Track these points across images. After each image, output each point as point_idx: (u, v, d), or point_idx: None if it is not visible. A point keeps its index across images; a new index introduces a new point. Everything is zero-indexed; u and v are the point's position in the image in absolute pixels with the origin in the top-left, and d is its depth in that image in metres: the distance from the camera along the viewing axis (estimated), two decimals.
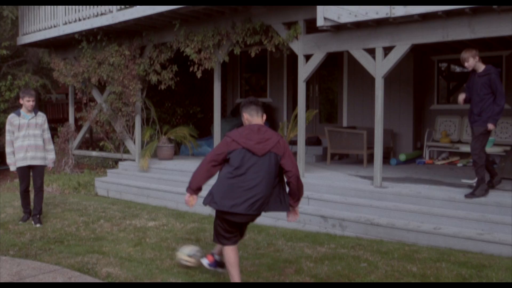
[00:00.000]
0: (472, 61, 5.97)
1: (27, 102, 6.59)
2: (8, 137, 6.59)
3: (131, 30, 9.71)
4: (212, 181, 3.96)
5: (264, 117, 4.03)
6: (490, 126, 5.89)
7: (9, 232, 6.31)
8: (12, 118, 6.61)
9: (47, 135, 6.87)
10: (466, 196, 5.98)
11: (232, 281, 3.98)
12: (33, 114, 6.69)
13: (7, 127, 6.59)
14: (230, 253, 3.98)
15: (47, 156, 6.86)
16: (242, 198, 3.77)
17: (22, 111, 6.65)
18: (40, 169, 6.77)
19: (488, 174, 6.30)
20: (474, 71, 6.06)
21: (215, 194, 3.85)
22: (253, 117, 3.98)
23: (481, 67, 5.99)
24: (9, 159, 6.62)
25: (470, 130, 6.36)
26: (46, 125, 6.85)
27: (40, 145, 6.71)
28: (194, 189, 3.93)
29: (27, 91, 6.66)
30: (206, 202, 3.90)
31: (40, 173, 6.77)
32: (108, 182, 9.58)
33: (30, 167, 6.72)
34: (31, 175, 6.78)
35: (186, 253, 4.42)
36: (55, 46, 11.85)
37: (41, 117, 6.79)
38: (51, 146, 6.92)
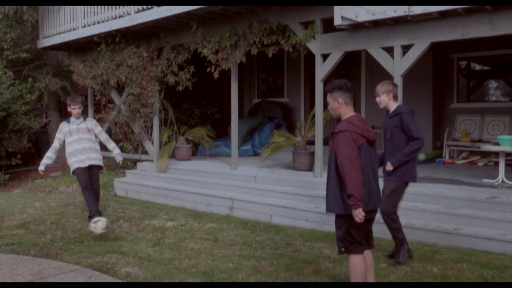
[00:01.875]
0: (384, 98, 4.92)
1: (73, 110, 6.73)
2: (54, 143, 6.84)
3: (148, 32, 9.79)
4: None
5: None
6: (388, 165, 4.81)
7: (30, 232, 6.41)
8: (62, 125, 6.82)
9: (104, 136, 7.07)
10: (394, 264, 4.84)
11: None
12: (81, 119, 6.83)
13: (57, 134, 6.83)
14: (361, 261, 3.62)
15: (113, 151, 7.06)
16: (375, 192, 3.67)
17: (71, 118, 6.83)
18: (96, 170, 6.85)
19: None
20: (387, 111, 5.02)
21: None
22: (348, 105, 3.73)
23: (392, 107, 4.94)
24: (44, 159, 6.81)
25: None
26: (98, 128, 7.00)
27: (94, 148, 6.82)
28: (362, 199, 3.48)
29: (73, 99, 6.80)
30: (339, 209, 3.55)
31: (96, 174, 6.85)
32: (127, 183, 9.67)
33: (88, 168, 6.73)
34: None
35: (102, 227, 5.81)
36: (74, 49, 12.03)
37: (91, 122, 6.94)
38: (112, 144, 7.10)
